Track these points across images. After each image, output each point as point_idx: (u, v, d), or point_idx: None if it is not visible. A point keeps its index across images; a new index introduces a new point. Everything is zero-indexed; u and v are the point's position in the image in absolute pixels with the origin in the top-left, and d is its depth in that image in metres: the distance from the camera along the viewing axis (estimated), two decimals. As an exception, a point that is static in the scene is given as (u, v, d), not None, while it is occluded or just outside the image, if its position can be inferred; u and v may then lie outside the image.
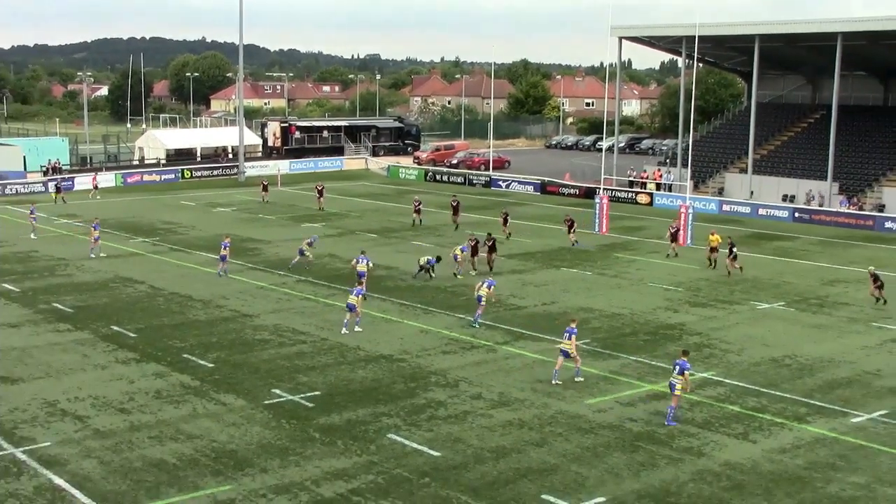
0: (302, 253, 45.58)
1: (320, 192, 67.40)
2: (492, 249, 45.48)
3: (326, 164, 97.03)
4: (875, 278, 39.87)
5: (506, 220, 55.22)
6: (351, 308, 34.18)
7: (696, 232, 55.21)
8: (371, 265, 40.88)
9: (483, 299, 35.24)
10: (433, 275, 43.27)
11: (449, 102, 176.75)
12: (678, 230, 51.23)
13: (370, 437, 24.29)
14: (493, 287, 35.64)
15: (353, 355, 31.50)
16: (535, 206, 71.01)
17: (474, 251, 44.69)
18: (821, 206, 68.65)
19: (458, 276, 43.59)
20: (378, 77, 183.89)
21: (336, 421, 25.39)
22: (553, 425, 25.26)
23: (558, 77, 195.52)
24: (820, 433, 25.07)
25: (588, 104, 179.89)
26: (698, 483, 21.89)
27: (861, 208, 66.76)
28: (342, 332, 34.13)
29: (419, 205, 60.42)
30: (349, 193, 76.49)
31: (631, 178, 79.65)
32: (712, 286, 42.95)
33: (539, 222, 61.72)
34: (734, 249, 45.30)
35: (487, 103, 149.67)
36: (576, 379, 28.94)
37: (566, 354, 28.53)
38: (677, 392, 25.53)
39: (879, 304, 39.41)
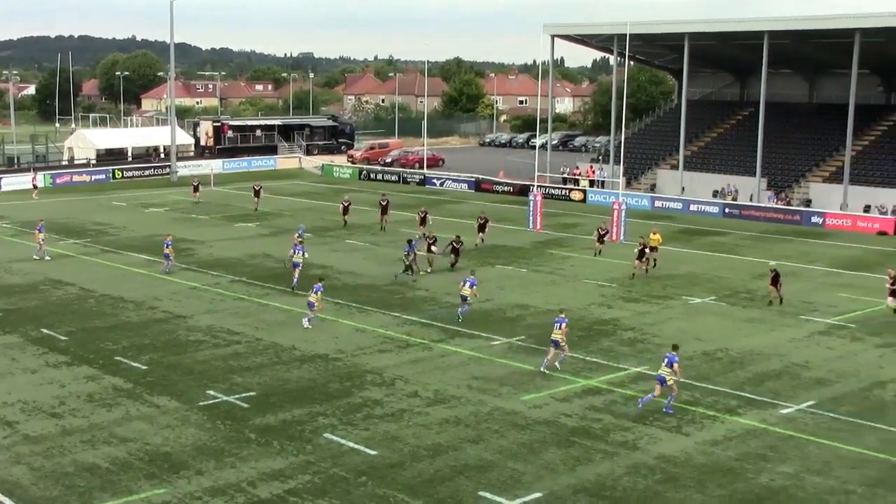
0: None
1: (257, 192, 66.67)
2: (455, 252, 44.83)
3: (260, 163, 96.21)
4: (775, 277, 39.22)
5: (424, 220, 54.44)
6: (310, 305, 34.67)
7: (629, 228, 55.89)
8: (306, 256, 41.04)
9: (468, 299, 35.60)
10: (415, 268, 43.36)
11: (383, 101, 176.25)
12: (607, 232, 51.38)
13: (306, 437, 24.16)
14: (475, 287, 35.78)
15: (288, 355, 31.31)
16: (470, 203, 71.08)
17: (429, 250, 44.61)
18: (734, 200, 69.88)
19: (423, 273, 43.91)
20: (311, 76, 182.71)
21: (272, 421, 25.21)
22: (489, 422, 25.34)
23: (492, 75, 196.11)
24: (751, 425, 25.50)
25: (521, 102, 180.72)
26: (633, 476, 22.12)
27: (789, 203, 68.04)
28: (304, 325, 34.65)
29: (348, 204, 59.71)
30: (283, 193, 75.94)
31: (564, 176, 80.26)
32: (645, 282, 43.43)
33: (473, 220, 61.68)
34: (646, 251, 45.15)
35: (421, 101, 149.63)
36: (557, 364, 29.84)
37: (556, 344, 29.51)
38: (670, 383, 26.27)
39: (774, 304, 39.07)
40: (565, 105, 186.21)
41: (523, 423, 25.29)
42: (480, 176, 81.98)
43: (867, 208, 65.21)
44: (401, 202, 68.35)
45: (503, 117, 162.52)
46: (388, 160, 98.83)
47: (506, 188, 77.98)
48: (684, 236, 57.61)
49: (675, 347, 27.17)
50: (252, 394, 27.35)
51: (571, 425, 25.25)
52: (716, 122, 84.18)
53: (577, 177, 79.94)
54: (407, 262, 43.22)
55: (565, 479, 21.88)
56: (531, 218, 59.41)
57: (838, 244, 55.60)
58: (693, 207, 68.31)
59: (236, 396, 27.08)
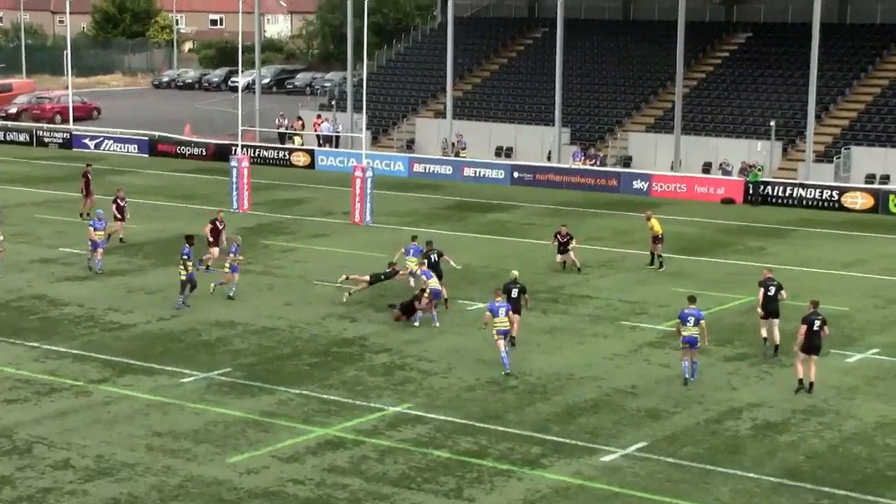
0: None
1: None
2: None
3: None
4: (517, 301, 35.94)
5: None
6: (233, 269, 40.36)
7: (377, 205, 56.60)
8: None
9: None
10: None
11: (0, 20, 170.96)
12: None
13: None
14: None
15: None
16: (143, 174, 69.85)
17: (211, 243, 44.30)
18: (457, 155, 72.54)
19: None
20: None
21: None
22: (182, 499, 24.96)
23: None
24: (560, 480, 26.10)
25: (215, 22, 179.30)
26: (396, 566, 22.25)
27: (602, 163, 70.29)
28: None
29: None
30: None
31: (282, 130, 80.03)
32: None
33: (149, 198, 60.80)
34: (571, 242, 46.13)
35: (62, 21, 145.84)
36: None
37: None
38: (699, 344, 32.36)
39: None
40: (280, 26, 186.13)
41: (232, 498, 25.03)
42: (157, 133, 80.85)
43: (707, 167, 68.41)
44: (33, 175, 66.25)
45: (188, 45, 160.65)
46: (13, 111, 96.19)
47: (195, 150, 77.39)
48: (456, 213, 58.95)
49: (692, 300, 32.92)
50: None
51: (304, 496, 25.16)
52: (496, 48, 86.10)
53: (299, 132, 79.86)
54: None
55: (297, 578, 21.77)
56: (235, 193, 58.99)
57: (670, 218, 57.84)
58: (468, 172, 69.77)
59: None
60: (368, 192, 56.08)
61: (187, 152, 77.58)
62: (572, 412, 30.43)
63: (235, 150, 63.63)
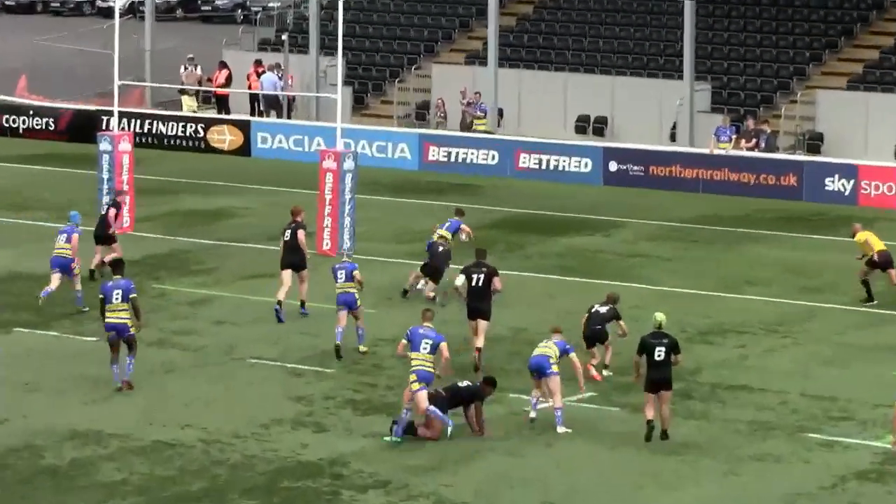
0: None
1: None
2: None
3: None
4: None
5: None
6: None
7: (363, 221, 56.04)
8: None
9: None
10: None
11: None
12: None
13: None
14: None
15: None
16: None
17: None
18: (469, 128, 72.41)
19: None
20: None
21: None
22: None
23: None
24: None
25: None
26: None
27: (769, 146, 68.87)
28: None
29: None
30: None
31: (185, 87, 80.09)
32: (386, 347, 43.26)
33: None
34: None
35: None
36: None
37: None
38: None
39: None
40: None
41: None
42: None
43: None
44: None
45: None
46: None
47: (37, 122, 78.75)
48: (505, 236, 58.66)
49: None
50: None
51: None
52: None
53: (220, 90, 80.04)
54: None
55: None
56: (107, 199, 57.91)
57: (890, 244, 56.56)
58: (527, 162, 69.13)
59: None
60: (347, 197, 55.40)
61: (21, 126, 78.40)
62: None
63: (108, 121, 62.97)
